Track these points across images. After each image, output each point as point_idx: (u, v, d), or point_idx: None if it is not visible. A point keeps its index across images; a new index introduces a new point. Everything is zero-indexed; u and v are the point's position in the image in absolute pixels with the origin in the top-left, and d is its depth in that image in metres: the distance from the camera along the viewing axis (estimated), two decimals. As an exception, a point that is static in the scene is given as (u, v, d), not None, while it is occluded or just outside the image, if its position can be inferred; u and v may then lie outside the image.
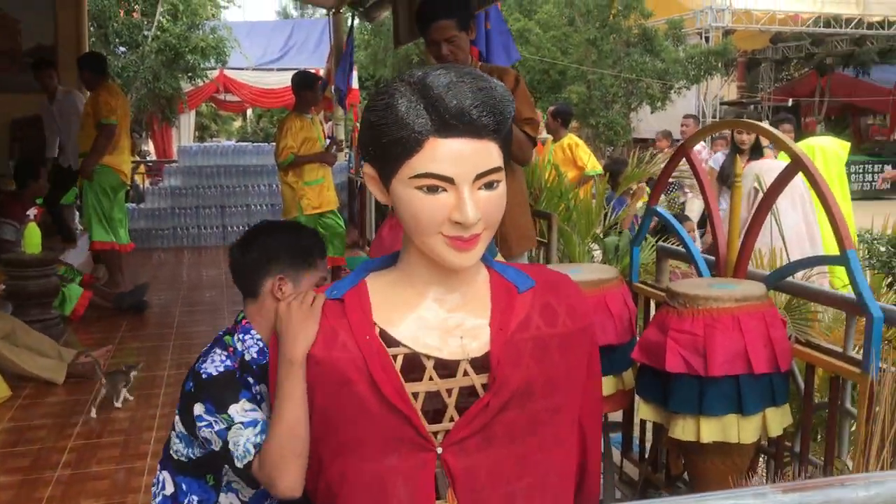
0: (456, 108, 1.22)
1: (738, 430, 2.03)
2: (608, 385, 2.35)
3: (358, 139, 1.49)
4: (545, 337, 1.35)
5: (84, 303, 5.57)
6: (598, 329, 2.34)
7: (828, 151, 4.96)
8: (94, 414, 3.80)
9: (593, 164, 6.66)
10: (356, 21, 9.07)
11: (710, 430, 2.04)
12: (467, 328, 1.33)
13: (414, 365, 1.30)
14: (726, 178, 5.56)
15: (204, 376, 1.84)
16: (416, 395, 1.30)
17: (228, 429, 1.76)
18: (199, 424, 1.82)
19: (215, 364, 1.88)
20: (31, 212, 6.11)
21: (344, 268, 6.55)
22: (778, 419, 2.06)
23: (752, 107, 23.05)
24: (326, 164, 6.12)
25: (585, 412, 1.43)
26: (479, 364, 1.31)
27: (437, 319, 1.33)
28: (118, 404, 3.90)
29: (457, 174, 1.23)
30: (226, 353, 1.93)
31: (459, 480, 1.31)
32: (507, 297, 1.36)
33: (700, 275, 2.52)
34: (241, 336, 1.98)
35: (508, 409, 1.32)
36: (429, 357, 1.31)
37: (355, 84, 10.40)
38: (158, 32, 12.60)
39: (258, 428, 1.73)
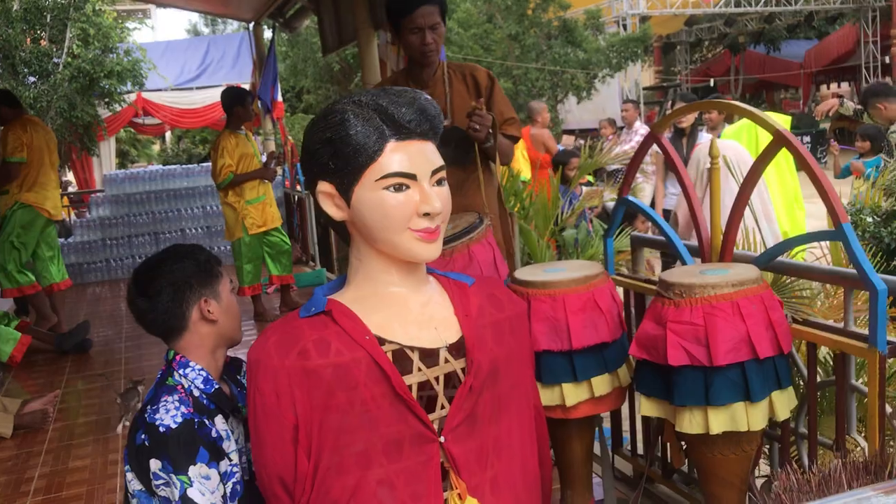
0: (406, 114, 1.39)
1: (747, 417, 1.98)
2: (604, 383, 2.28)
3: (306, 159, 1.45)
4: (499, 321, 1.53)
5: (22, 348, 5.26)
6: (591, 327, 2.27)
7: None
8: (119, 429, 3.96)
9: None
10: (274, 33, 8.85)
11: (719, 420, 1.98)
12: (438, 319, 1.47)
13: (402, 358, 1.41)
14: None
15: (161, 429, 1.72)
16: (410, 387, 1.40)
17: (185, 494, 1.70)
18: (155, 482, 1.71)
19: (171, 414, 1.76)
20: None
21: (292, 285, 6.37)
22: (784, 402, 2.01)
23: (672, 89, 23.55)
24: (266, 181, 5.94)
25: (535, 392, 1.66)
26: (455, 350, 1.45)
27: (412, 314, 1.46)
28: (119, 431, 3.95)
29: (418, 171, 1.39)
30: (178, 397, 1.82)
31: (462, 466, 1.43)
32: (460, 291, 1.53)
33: (683, 262, 2.46)
34: (182, 372, 1.90)
35: (484, 391, 1.47)
36: (413, 349, 1.42)
37: (279, 97, 10.18)
38: (70, 59, 12.14)
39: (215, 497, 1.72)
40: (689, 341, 1.98)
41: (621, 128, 9.43)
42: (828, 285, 2.62)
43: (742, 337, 1.94)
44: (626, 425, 2.97)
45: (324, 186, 1.42)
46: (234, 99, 5.89)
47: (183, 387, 1.87)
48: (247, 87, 10.80)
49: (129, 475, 1.83)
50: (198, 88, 14.99)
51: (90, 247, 8.65)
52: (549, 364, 2.25)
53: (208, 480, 1.70)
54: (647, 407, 2.16)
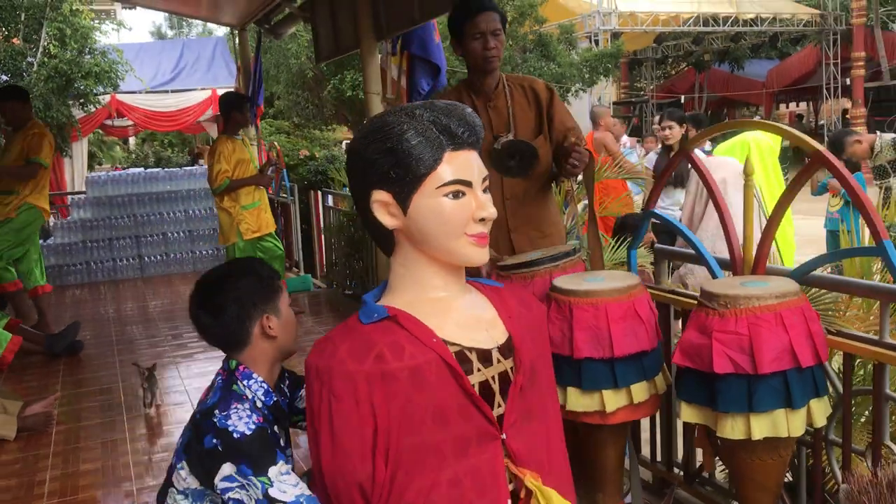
0: (458, 127, 1.46)
1: (788, 423, 2.07)
2: (642, 391, 2.36)
3: (361, 169, 1.49)
4: (530, 320, 1.63)
5: (13, 348, 5.19)
6: (631, 336, 2.35)
7: (762, 144, 5.18)
8: (151, 411, 4.21)
9: None
10: (260, 39, 8.85)
11: (761, 426, 2.07)
12: (486, 321, 1.56)
13: (463, 359, 1.48)
14: (677, 176, 5.73)
15: (236, 435, 1.77)
16: (473, 386, 1.48)
17: (267, 492, 1.71)
18: (227, 485, 1.75)
19: (244, 421, 1.80)
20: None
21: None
22: (821, 410, 2.11)
23: (639, 105, 23.94)
24: (262, 186, 5.96)
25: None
26: (503, 350, 1.54)
27: (465, 318, 1.53)
28: (150, 410, 4.20)
29: (473, 178, 1.47)
30: (248, 406, 1.87)
31: (521, 460, 1.51)
32: (498, 294, 1.63)
33: (713, 275, 2.56)
34: (245, 383, 1.96)
35: (528, 388, 1.56)
36: (471, 350, 1.50)
37: (262, 101, 10.15)
38: (45, 59, 11.98)
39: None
40: (734, 350, 2.07)
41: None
42: (855, 298, 2.74)
43: (785, 346, 2.04)
44: (647, 433, 3.06)
45: (380, 195, 1.47)
46: (232, 104, 5.91)
47: (247, 397, 1.92)
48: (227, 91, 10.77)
49: (184, 472, 1.86)
50: (172, 91, 14.87)
51: (70, 249, 8.55)
52: (591, 371, 2.33)
53: (288, 475, 1.74)
54: (687, 413, 2.25)
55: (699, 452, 2.66)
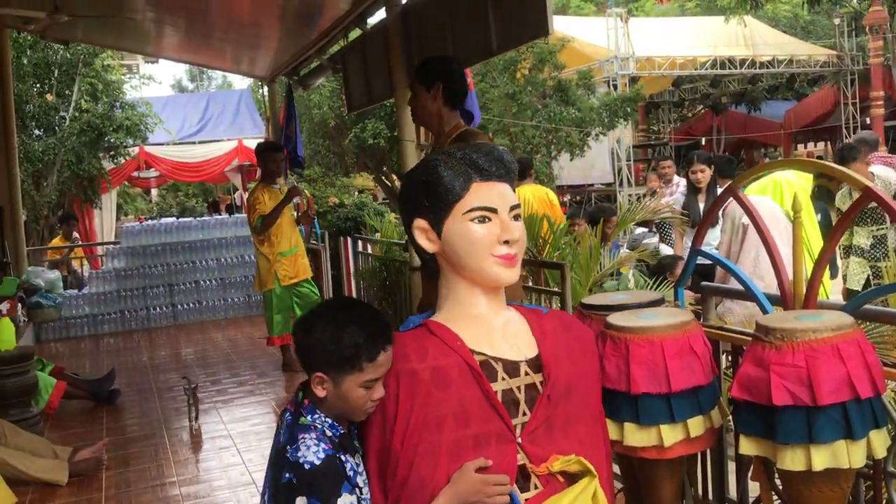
0: (486, 161, 1.68)
1: (848, 454, 2.09)
2: (698, 424, 2.39)
3: (404, 202, 1.76)
4: (572, 342, 1.80)
5: (58, 394, 5.29)
6: (687, 371, 2.40)
7: (793, 184, 5.23)
8: (196, 425, 4.69)
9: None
10: (291, 90, 9.04)
11: (822, 457, 2.09)
12: (518, 336, 1.73)
13: (488, 368, 1.66)
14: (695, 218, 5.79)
15: (307, 466, 1.78)
16: (495, 392, 1.65)
17: None
18: None
19: (313, 451, 1.81)
20: (3, 306, 5.79)
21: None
22: (881, 441, 2.14)
23: (658, 148, 24.06)
24: (296, 228, 6.09)
25: (602, 415, 1.98)
26: (533, 365, 1.70)
27: (496, 332, 1.71)
28: (196, 424, 4.60)
29: (498, 205, 1.66)
30: (315, 435, 1.87)
31: (537, 460, 1.66)
32: (535, 316, 1.79)
33: (764, 311, 2.60)
34: (311, 417, 1.93)
35: (560, 403, 1.71)
36: (497, 360, 1.67)
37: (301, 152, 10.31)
38: (77, 113, 12.29)
39: None
40: (793, 382, 2.11)
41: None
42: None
43: (843, 378, 2.08)
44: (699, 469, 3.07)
45: (419, 223, 1.71)
46: (267, 153, 6.05)
47: (315, 427, 1.97)
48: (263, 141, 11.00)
49: None
50: (199, 143, 15.17)
51: (105, 298, 8.69)
52: (648, 406, 2.36)
53: None
54: (746, 446, 2.27)
55: (753, 487, 2.68)
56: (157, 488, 3.86)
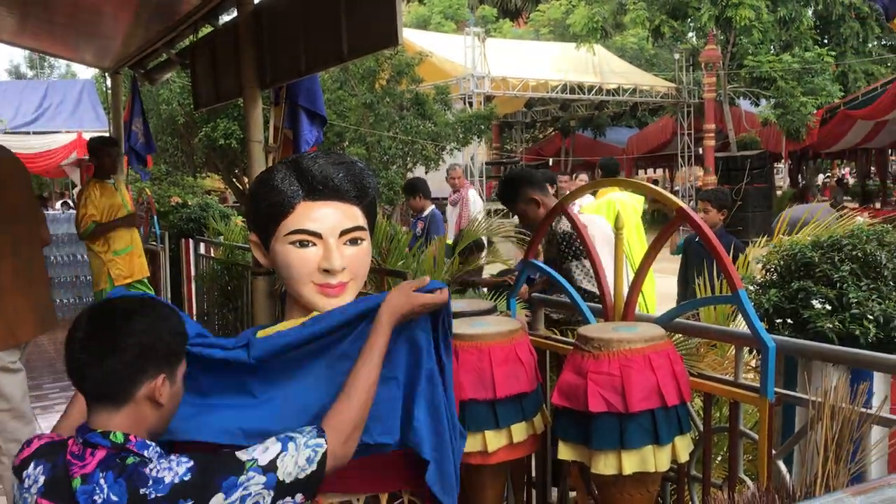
0: (321, 177, 1.54)
1: (655, 459, 2.22)
2: (521, 431, 2.47)
3: (246, 209, 1.76)
4: None
5: None
6: (513, 378, 2.47)
7: (626, 205, 5.51)
8: None
9: None
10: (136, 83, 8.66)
11: (631, 462, 2.21)
12: None
13: None
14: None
15: (186, 478, 1.36)
16: None
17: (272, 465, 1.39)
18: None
19: (174, 469, 1.37)
20: None
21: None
22: (685, 446, 2.28)
23: (510, 166, 24.74)
24: (134, 228, 5.81)
25: None
26: None
27: None
28: None
29: (324, 230, 1.54)
30: (163, 461, 1.41)
31: None
32: None
33: (586, 321, 2.72)
34: (148, 452, 1.43)
35: None
36: None
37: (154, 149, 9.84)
38: None
39: (298, 440, 1.43)
40: (608, 390, 2.22)
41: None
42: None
43: (653, 386, 2.20)
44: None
45: (252, 236, 1.65)
46: (102, 148, 5.76)
47: (152, 458, 1.42)
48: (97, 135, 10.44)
49: None
50: (34, 133, 14.25)
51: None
52: (474, 412, 2.42)
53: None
54: (564, 451, 2.37)
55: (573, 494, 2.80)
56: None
